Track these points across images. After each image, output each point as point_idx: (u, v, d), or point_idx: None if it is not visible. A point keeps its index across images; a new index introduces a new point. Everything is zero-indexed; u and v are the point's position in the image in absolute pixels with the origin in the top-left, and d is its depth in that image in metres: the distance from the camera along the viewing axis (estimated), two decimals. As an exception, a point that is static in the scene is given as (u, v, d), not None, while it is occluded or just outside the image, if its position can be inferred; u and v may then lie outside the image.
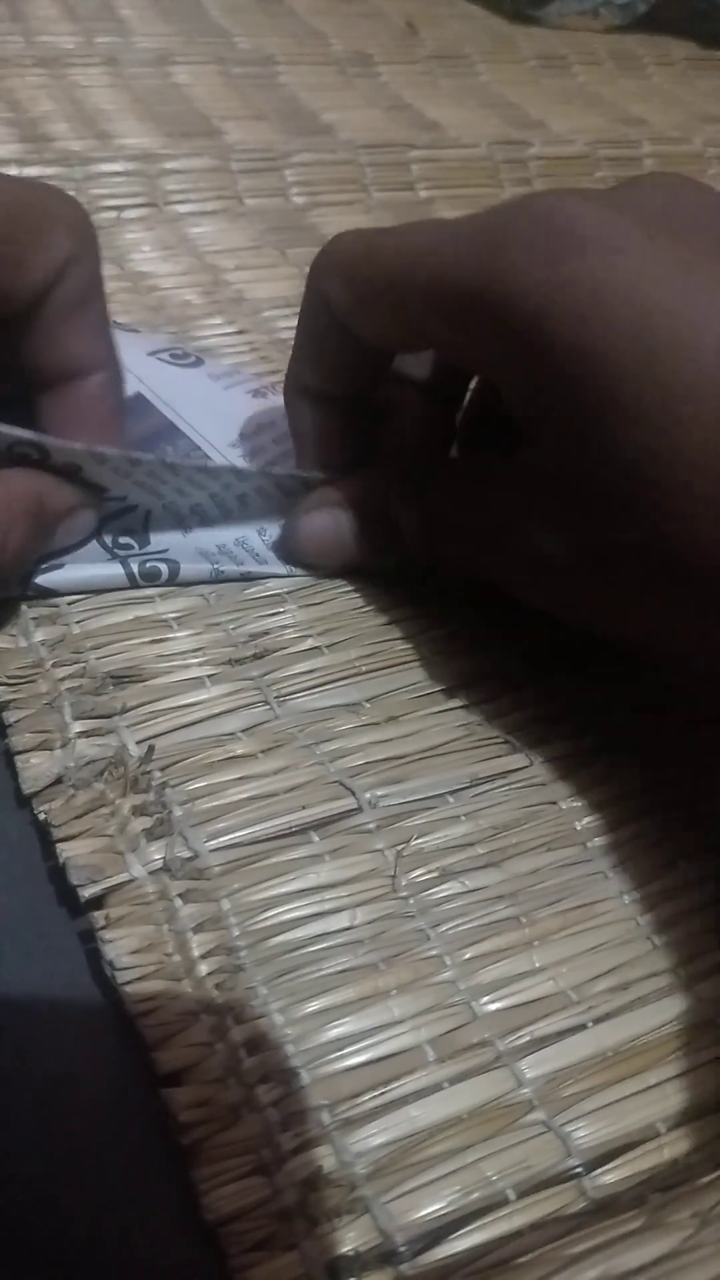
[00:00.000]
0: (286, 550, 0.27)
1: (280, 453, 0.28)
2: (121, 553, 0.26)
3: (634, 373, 0.18)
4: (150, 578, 0.26)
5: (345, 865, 0.21)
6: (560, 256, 0.19)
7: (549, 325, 0.19)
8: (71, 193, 0.37)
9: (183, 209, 0.39)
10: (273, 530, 0.27)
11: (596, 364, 0.19)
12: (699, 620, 0.20)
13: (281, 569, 0.27)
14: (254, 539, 0.27)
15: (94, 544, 0.26)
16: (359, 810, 0.22)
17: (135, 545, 0.26)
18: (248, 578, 0.27)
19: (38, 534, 0.24)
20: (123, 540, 0.26)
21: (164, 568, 0.26)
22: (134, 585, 0.26)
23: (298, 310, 0.36)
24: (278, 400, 0.27)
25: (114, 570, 0.25)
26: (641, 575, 0.20)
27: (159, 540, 0.26)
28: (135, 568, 0.26)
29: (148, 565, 0.26)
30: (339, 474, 0.27)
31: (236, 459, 0.28)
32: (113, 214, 0.38)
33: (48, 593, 0.25)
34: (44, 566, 0.25)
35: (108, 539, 0.26)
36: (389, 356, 0.26)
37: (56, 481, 0.24)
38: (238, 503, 0.26)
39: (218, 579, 0.27)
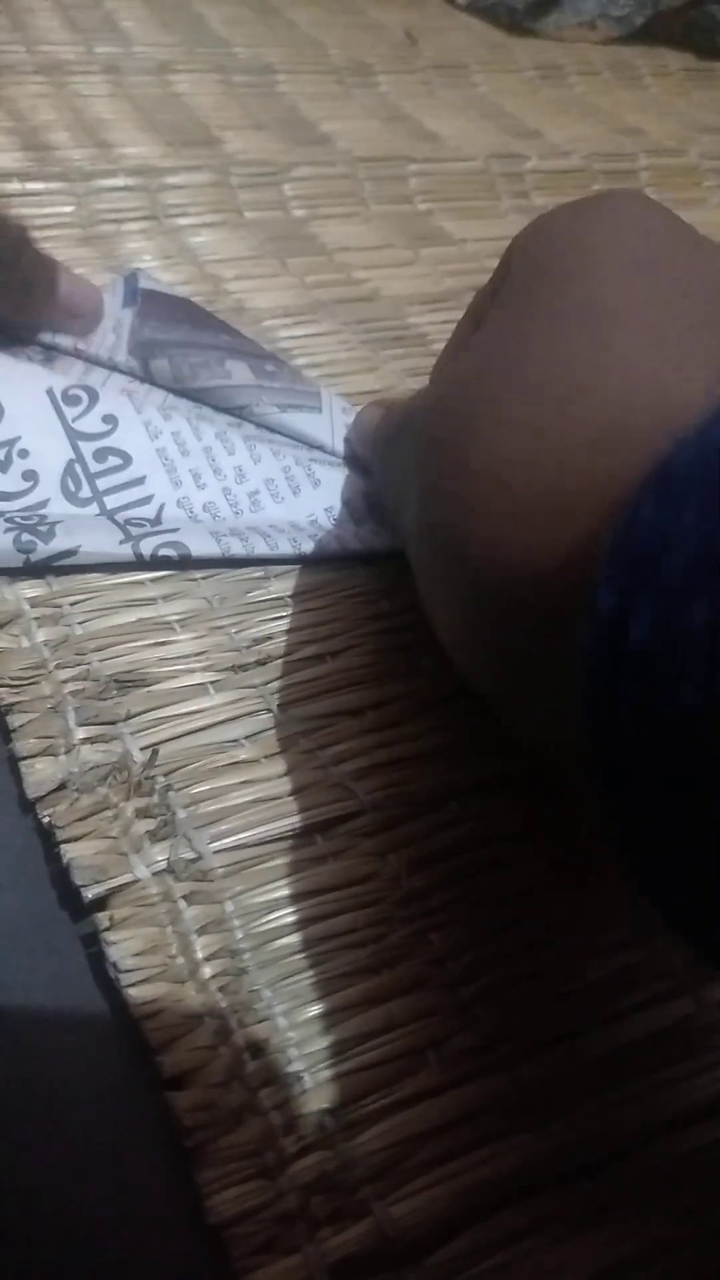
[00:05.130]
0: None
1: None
2: (135, 530, 0.26)
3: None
4: (159, 563, 0.26)
5: (348, 868, 0.21)
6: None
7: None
8: (73, 205, 0.38)
9: (183, 221, 0.39)
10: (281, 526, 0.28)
11: None
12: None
13: (289, 550, 0.27)
14: (262, 525, 0.27)
15: (108, 521, 0.27)
16: (362, 813, 0.22)
17: (148, 524, 0.27)
18: (252, 561, 0.27)
19: None
20: (135, 518, 0.27)
21: (174, 554, 0.26)
22: (141, 564, 0.26)
23: (298, 320, 0.36)
24: None
25: (124, 551, 0.26)
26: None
27: (170, 518, 0.27)
28: (147, 551, 0.26)
29: (160, 553, 0.26)
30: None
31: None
32: (113, 225, 0.38)
33: (54, 565, 0.26)
34: (56, 541, 0.25)
35: (120, 518, 0.27)
36: None
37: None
38: (249, 501, 0.27)
39: (226, 560, 0.27)
